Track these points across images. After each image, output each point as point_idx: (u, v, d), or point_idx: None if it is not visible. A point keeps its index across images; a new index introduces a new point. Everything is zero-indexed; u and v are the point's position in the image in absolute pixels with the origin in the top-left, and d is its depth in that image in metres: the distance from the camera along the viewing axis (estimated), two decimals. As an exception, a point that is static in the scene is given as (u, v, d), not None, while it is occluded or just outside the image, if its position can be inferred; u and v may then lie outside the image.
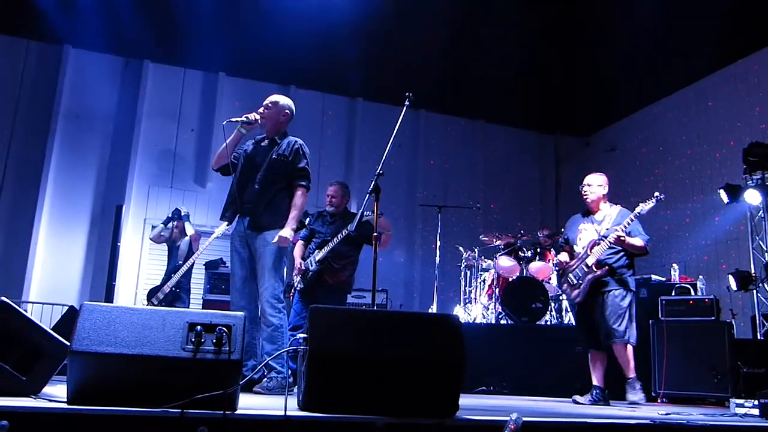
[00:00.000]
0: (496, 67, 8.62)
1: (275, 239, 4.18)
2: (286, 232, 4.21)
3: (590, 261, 4.91)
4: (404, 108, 4.18)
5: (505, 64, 8.54)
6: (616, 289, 4.87)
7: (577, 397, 4.97)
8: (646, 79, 8.98)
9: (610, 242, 4.83)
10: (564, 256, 5.21)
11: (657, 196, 4.83)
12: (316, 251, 5.60)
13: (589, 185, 5.19)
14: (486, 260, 8.00)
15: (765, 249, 7.03)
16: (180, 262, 7.13)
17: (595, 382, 4.95)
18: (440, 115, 10.83)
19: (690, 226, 8.82)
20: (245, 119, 4.36)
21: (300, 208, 4.36)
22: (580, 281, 4.95)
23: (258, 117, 4.41)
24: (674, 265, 7.31)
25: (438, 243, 7.85)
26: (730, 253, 8.18)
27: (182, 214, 7.17)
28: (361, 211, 4.35)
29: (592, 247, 4.95)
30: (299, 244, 5.90)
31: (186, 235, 7.29)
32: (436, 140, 10.81)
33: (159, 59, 9.42)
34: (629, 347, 4.78)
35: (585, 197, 5.19)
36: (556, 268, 5.28)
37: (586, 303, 4.98)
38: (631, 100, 9.85)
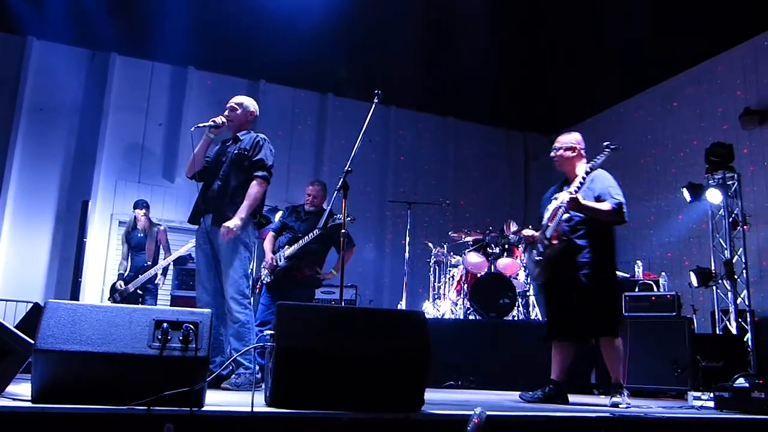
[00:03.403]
0: (466, 64, 8.67)
1: (221, 231, 4.14)
2: (232, 222, 4.14)
3: (548, 233, 4.11)
4: (373, 105, 4.21)
5: (475, 62, 8.60)
6: (585, 268, 4.05)
7: (523, 394, 4.21)
8: (613, 79, 9.12)
9: (564, 206, 4.01)
10: (529, 231, 4.41)
11: (608, 145, 4.08)
12: (286, 247, 5.57)
13: (554, 149, 4.36)
14: (455, 256, 8.07)
15: (725, 247, 7.22)
16: (149, 262, 7.07)
17: (552, 375, 4.21)
18: (411, 112, 10.85)
19: (654, 223, 9.01)
20: (212, 123, 4.36)
21: (254, 198, 4.27)
22: (542, 257, 4.18)
23: (225, 120, 4.42)
24: (638, 261, 7.46)
25: (407, 239, 7.89)
26: (693, 251, 8.38)
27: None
28: (329, 208, 4.36)
29: (553, 217, 4.14)
30: (269, 236, 5.85)
31: (153, 227, 7.23)
32: (406, 137, 10.84)
33: (126, 52, 9.25)
34: (617, 342, 4.07)
35: (555, 163, 4.40)
36: (522, 243, 4.46)
37: (551, 284, 4.24)
38: (597, 99, 10.00)
